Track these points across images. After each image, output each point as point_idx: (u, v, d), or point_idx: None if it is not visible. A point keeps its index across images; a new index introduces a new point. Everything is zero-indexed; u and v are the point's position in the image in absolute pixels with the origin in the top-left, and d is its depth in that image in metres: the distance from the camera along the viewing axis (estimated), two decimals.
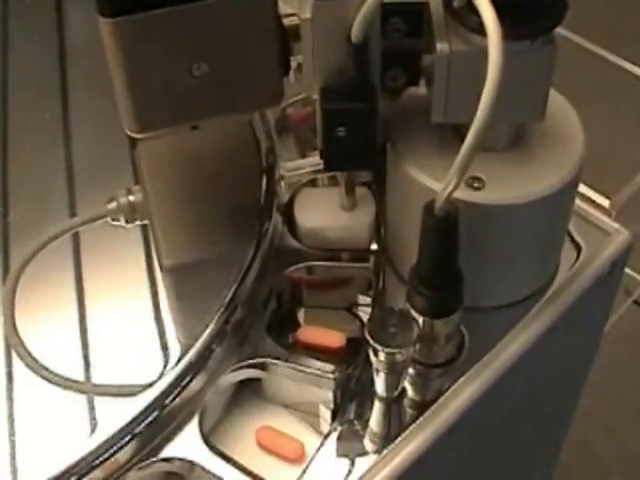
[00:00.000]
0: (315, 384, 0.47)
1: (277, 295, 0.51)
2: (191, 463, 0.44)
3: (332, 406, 0.47)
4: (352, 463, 0.45)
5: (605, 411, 1.01)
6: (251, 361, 0.47)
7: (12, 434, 0.45)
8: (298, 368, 0.47)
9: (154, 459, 0.44)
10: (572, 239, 0.53)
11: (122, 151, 0.55)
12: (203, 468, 0.44)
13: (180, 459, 0.44)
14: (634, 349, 1.06)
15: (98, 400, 0.47)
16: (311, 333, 0.49)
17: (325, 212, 0.51)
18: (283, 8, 0.47)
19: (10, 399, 0.47)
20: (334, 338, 0.48)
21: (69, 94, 0.64)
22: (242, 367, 0.47)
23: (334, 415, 0.47)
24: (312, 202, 0.52)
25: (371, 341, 0.41)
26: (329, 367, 0.47)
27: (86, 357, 0.48)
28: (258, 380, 0.49)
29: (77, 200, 0.57)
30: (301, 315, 0.52)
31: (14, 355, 0.48)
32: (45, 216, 0.56)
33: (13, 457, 0.44)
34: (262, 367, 0.48)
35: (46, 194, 0.58)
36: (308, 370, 0.47)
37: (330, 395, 0.47)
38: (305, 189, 0.53)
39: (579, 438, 0.94)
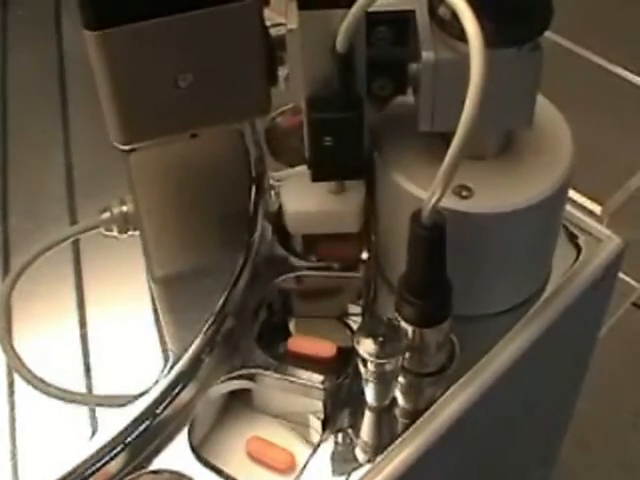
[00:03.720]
0: (305, 394, 0.47)
1: (268, 305, 0.51)
2: (180, 475, 0.44)
3: (322, 416, 0.47)
4: (344, 473, 0.45)
5: (605, 414, 1.00)
6: (241, 372, 0.47)
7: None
8: (288, 379, 0.47)
9: (143, 471, 0.44)
10: (572, 241, 0.53)
11: (121, 160, 0.55)
12: None
13: (169, 471, 0.44)
14: (633, 351, 1.06)
15: (87, 410, 0.47)
16: (301, 343, 0.49)
17: (312, 196, 0.50)
18: (272, 17, 0.47)
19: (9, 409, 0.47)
20: (324, 348, 0.48)
21: (68, 101, 0.64)
22: (232, 378, 0.47)
23: (324, 425, 0.46)
24: (299, 186, 0.50)
25: (360, 351, 0.41)
26: (318, 378, 0.46)
27: (76, 367, 0.48)
28: (248, 390, 0.48)
29: (77, 209, 0.57)
30: (292, 325, 0.52)
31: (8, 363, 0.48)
32: (43, 226, 0.56)
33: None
34: (252, 378, 0.47)
35: (44, 204, 0.58)
36: (298, 381, 0.47)
37: (320, 405, 0.46)
38: (292, 173, 0.52)
39: (579, 441, 0.94)
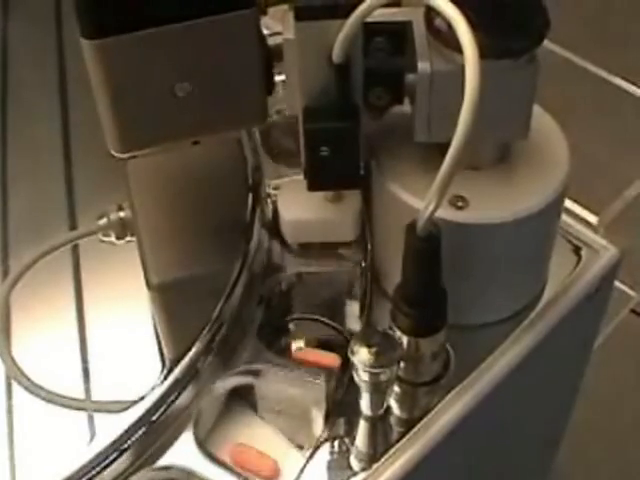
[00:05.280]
0: (307, 389, 0.46)
1: (267, 303, 0.51)
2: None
3: (324, 410, 0.46)
4: None
5: (605, 421, 1.00)
6: (245, 367, 0.47)
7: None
8: (290, 373, 0.47)
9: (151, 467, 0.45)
10: (569, 251, 0.53)
11: (121, 165, 0.55)
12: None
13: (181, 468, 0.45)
14: (632, 358, 1.06)
15: (85, 416, 0.47)
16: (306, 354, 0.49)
17: (309, 204, 0.50)
18: (273, 24, 0.47)
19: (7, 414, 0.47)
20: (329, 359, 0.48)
21: (68, 107, 0.65)
22: (236, 374, 0.47)
23: (326, 419, 0.46)
24: (296, 194, 0.50)
25: (354, 361, 0.41)
26: (320, 371, 0.46)
27: (75, 372, 0.49)
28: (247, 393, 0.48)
29: (76, 215, 0.57)
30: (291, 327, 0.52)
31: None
32: (42, 231, 0.56)
33: None
34: (254, 374, 0.47)
35: (44, 209, 0.59)
36: (299, 376, 0.46)
37: (322, 398, 0.46)
38: (289, 181, 0.52)
39: (578, 448, 0.94)
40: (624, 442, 1.01)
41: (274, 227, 0.52)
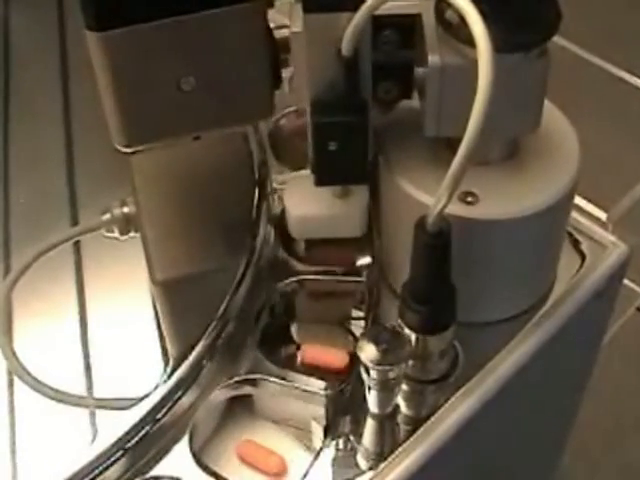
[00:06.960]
0: (307, 401, 0.46)
1: (270, 308, 0.50)
2: None
3: (324, 422, 0.46)
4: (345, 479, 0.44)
5: (607, 420, 1.00)
6: (243, 377, 0.47)
7: None
8: (290, 385, 0.46)
9: (144, 477, 0.44)
10: (577, 248, 0.52)
11: (124, 161, 0.55)
12: None
13: (170, 477, 0.44)
14: (637, 356, 1.06)
15: (87, 416, 0.46)
16: (314, 354, 0.48)
17: (316, 200, 0.49)
18: (279, 18, 0.47)
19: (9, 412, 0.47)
20: (337, 358, 0.47)
21: (70, 101, 0.64)
22: (234, 384, 0.47)
23: (326, 432, 0.46)
24: (303, 189, 0.49)
25: (362, 358, 0.41)
26: (321, 384, 0.46)
27: (77, 370, 0.48)
28: (249, 395, 0.48)
29: (78, 210, 0.57)
30: (294, 330, 0.51)
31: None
32: (44, 227, 0.56)
33: None
34: (254, 384, 0.47)
35: (46, 204, 0.58)
36: (300, 387, 0.46)
37: (322, 411, 0.46)
38: (296, 176, 0.52)
39: (580, 447, 0.93)
40: (626, 440, 1.01)
41: (280, 222, 0.51)
